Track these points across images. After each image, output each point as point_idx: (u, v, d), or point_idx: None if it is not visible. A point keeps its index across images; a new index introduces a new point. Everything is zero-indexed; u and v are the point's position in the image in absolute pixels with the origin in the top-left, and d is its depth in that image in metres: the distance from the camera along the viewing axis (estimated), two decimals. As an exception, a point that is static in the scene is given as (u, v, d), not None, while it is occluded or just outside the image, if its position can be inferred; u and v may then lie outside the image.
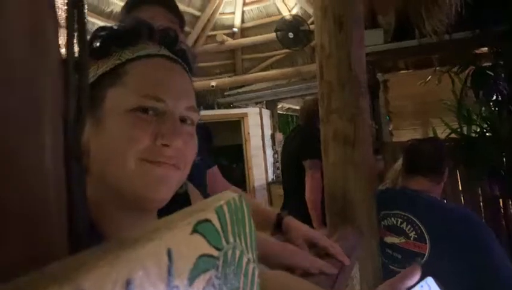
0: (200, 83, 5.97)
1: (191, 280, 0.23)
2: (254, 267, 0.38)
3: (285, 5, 5.77)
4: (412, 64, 3.33)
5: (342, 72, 1.65)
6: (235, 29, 6.01)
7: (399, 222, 1.57)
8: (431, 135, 3.35)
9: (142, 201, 0.53)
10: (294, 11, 5.67)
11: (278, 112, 6.84)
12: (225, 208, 0.31)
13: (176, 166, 0.54)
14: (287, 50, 5.57)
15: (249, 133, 5.76)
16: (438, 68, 3.06)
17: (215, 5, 5.70)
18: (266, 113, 6.19)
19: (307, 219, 2.26)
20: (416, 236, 1.49)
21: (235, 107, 6.34)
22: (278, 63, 6.07)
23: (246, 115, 5.78)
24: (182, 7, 5.18)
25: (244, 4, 5.92)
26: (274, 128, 6.27)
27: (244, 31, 6.10)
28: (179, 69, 0.58)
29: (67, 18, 0.22)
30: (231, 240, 0.32)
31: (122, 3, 4.45)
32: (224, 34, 5.95)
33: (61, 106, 0.20)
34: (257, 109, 5.94)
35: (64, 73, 0.20)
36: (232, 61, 6.27)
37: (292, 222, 1.14)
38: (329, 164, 1.69)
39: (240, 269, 0.34)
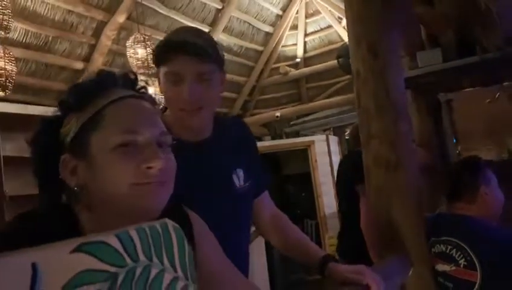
0: (265, 115, 6.13)
1: (68, 287, 0.30)
2: (186, 285, 0.44)
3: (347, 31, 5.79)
4: (478, 82, 3.16)
5: (378, 97, 1.65)
6: (298, 60, 6.14)
7: (448, 249, 1.50)
8: (505, 155, 3.12)
9: (140, 214, 0.62)
10: (355, 37, 5.66)
11: (347, 137, 6.76)
12: (133, 233, 0.37)
13: (161, 182, 0.64)
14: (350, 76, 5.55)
15: (316, 161, 5.74)
16: (505, 84, 2.86)
17: (277, 39, 5.89)
18: (334, 140, 6.14)
19: (363, 247, 2.21)
20: (466, 263, 1.41)
21: (302, 135, 6.39)
22: (342, 89, 6.05)
23: (312, 142, 5.78)
24: (245, 44, 5.42)
25: (306, 35, 6.05)
26: (343, 155, 6.19)
27: (307, 61, 6.21)
28: (146, 104, 0.69)
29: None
30: (142, 258, 0.38)
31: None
32: (287, 65, 6.10)
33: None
34: (323, 136, 5.92)
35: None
36: (297, 90, 6.38)
37: (334, 267, 1.11)
38: (372, 191, 1.67)
39: (157, 286, 0.40)
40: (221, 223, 0.90)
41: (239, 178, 1.16)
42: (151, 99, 0.73)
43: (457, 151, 3.19)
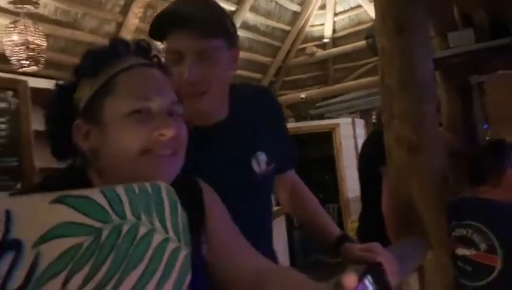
0: (290, 96, 6.07)
1: (45, 238, 0.30)
2: (178, 247, 0.44)
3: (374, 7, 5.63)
4: (511, 64, 3.02)
5: (403, 75, 1.60)
6: (325, 40, 6.02)
7: (469, 233, 1.46)
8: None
9: None
10: (386, 17, 5.49)
11: (374, 122, 6.63)
12: (120, 190, 0.37)
13: (173, 152, 0.65)
14: (379, 57, 5.41)
15: (340, 144, 5.68)
16: (542, 66, 2.72)
17: (305, 18, 5.78)
18: (360, 123, 6.05)
19: (383, 228, 2.18)
20: (487, 247, 1.38)
21: (328, 118, 6.31)
22: (371, 71, 5.91)
23: (337, 125, 5.72)
24: (272, 23, 5.33)
25: (335, 15, 5.91)
26: (368, 138, 6.09)
27: (335, 41, 6.07)
28: (157, 72, 0.69)
29: None
30: (130, 217, 0.38)
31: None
32: (315, 45, 5.99)
33: None
34: (349, 119, 5.84)
35: None
36: (324, 72, 6.27)
37: (349, 247, 1.07)
38: (393, 172, 1.63)
39: (145, 244, 0.39)
40: (238, 211, 0.86)
41: (259, 163, 1.05)
42: (164, 68, 0.73)
43: (488, 138, 3.07)
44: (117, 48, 0.69)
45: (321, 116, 6.39)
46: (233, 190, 0.95)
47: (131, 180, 0.61)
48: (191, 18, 0.88)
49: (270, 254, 1.18)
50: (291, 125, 5.97)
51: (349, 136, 5.79)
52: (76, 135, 0.67)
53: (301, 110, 6.39)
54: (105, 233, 0.35)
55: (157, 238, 0.40)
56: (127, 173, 0.62)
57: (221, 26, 0.93)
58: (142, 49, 0.72)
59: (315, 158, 6.25)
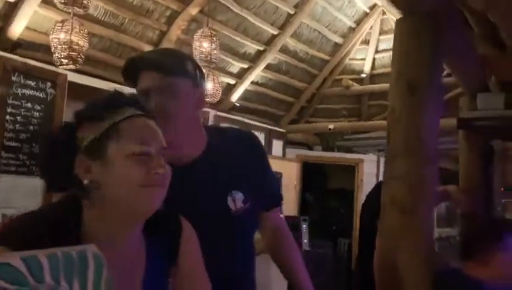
0: (320, 124, 6.09)
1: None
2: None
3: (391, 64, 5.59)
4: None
5: (409, 138, 1.61)
6: (363, 75, 6.02)
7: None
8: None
9: (139, 212, 0.81)
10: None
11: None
12: (42, 257, 0.43)
13: (162, 185, 0.80)
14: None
15: (362, 180, 5.64)
16: None
17: (346, 51, 5.81)
18: (385, 162, 5.98)
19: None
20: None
21: (355, 152, 6.28)
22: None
23: (361, 161, 5.69)
24: (312, 52, 5.37)
25: (376, 51, 5.92)
26: (391, 179, 6.00)
27: (373, 77, 6.07)
28: (151, 121, 0.84)
29: None
30: (48, 280, 0.44)
31: (253, 46, 4.79)
32: (351, 79, 6.00)
33: None
34: (374, 157, 5.79)
35: None
36: (358, 106, 6.26)
37: None
38: (384, 231, 1.64)
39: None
40: (213, 251, 0.94)
41: (235, 201, 1.14)
42: (154, 118, 0.86)
43: (500, 208, 3.00)
44: (119, 99, 0.83)
45: (348, 149, 6.37)
46: (210, 233, 1.01)
47: (123, 210, 0.77)
48: (155, 61, 1.10)
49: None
50: (316, 154, 5.99)
51: (372, 173, 5.75)
52: (79, 169, 0.78)
53: (329, 140, 6.39)
54: (20, 296, 0.41)
55: (77, 301, 0.46)
56: (127, 201, 0.76)
57: (182, 68, 1.11)
58: (137, 102, 0.85)
59: (335, 190, 6.23)
